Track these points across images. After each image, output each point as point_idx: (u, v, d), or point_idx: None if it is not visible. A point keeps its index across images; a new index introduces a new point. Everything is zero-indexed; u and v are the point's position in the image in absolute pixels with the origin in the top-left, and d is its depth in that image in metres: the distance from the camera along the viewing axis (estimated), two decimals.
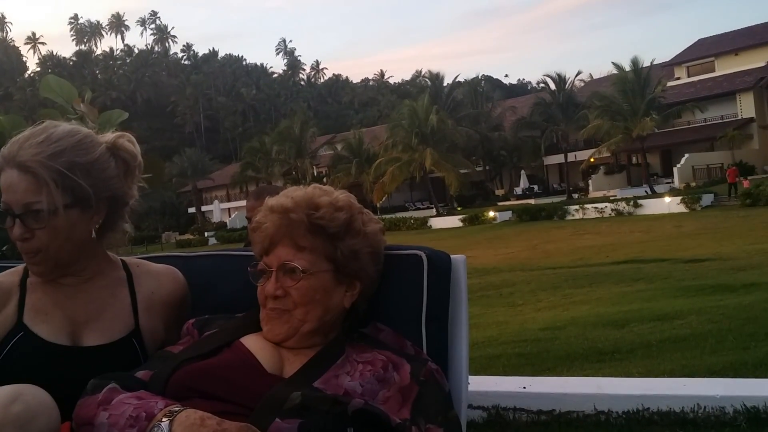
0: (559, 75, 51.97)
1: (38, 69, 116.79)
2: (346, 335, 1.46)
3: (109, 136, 1.56)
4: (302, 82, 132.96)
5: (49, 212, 1.42)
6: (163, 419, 1.18)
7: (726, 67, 47.92)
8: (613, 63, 47.81)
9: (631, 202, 34.16)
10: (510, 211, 38.99)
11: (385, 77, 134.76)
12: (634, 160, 49.67)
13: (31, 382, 1.31)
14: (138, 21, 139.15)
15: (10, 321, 1.49)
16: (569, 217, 35.15)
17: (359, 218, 1.50)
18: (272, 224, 1.45)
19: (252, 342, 1.43)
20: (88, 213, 1.49)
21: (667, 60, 53.36)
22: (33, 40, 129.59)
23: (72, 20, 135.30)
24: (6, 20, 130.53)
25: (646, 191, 40.20)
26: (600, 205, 35.16)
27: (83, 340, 1.51)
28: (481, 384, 3.36)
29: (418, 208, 52.30)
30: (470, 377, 1.74)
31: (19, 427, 1.13)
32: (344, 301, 1.48)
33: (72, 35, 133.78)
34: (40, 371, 1.43)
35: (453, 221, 40.45)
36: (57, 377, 1.40)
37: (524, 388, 3.32)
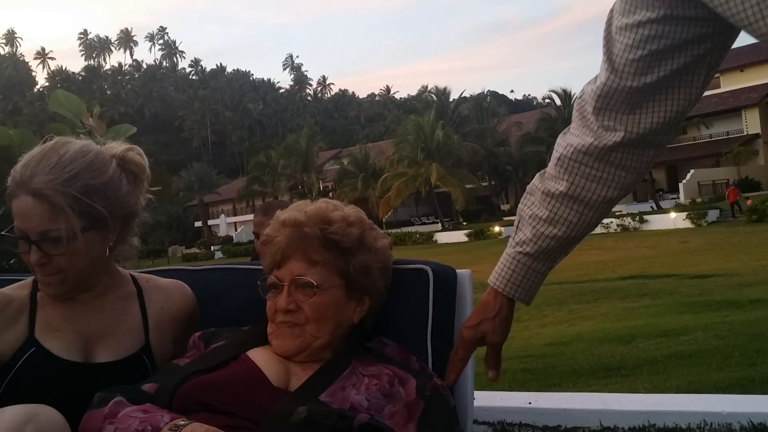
0: (564, 91, 52.11)
1: (47, 84, 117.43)
2: (352, 349, 1.45)
3: (117, 148, 1.55)
4: (309, 97, 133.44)
5: (67, 238, 1.41)
6: None
7: (731, 83, 47.93)
8: None
9: (637, 218, 34.09)
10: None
11: (392, 92, 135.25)
12: None
13: (43, 397, 1.30)
14: (146, 37, 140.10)
15: (22, 336, 1.48)
16: None
17: (370, 234, 1.50)
18: (284, 238, 1.44)
19: (258, 355, 1.43)
20: (103, 233, 1.48)
21: None
22: (42, 55, 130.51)
23: (81, 36, 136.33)
24: (16, 35, 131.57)
25: (651, 207, 40.11)
26: (606, 221, 35.03)
27: (95, 357, 1.51)
28: (486, 399, 3.35)
29: (424, 223, 52.27)
30: (476, 392, 1.74)
31: None
32: (354, 317, 1.48)
33: (81, 50, 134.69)
34: (52, 387, 1.43)
35: (458, 236, 40.40)
36: (69, 393, 1.40)
37: (530, 403, 3.31)
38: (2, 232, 1.46)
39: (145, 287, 1.63)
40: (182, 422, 1.21)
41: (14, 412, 1.15)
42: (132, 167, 1.55)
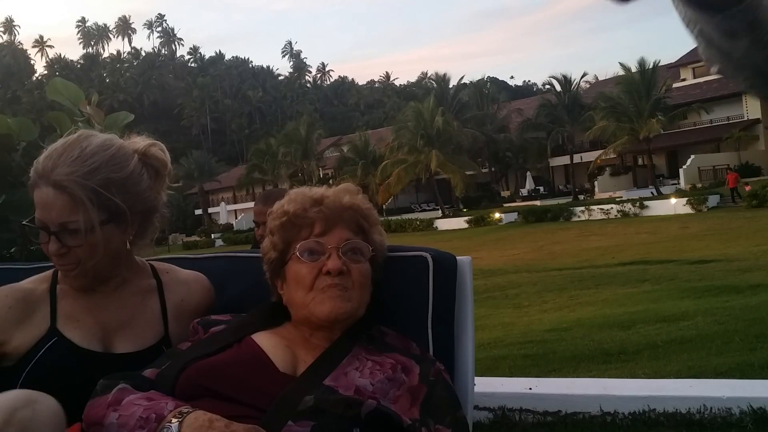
0: (564, 76, 51.93)
1: (46, 72, 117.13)
2: (356, 334, 1.46)
3: (140, 143, 1.56)
4: (308, 84, 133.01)
5: (86, 231, 1.42)
6: (173, 420, 1.19)
7: None
8: (620, 63, 47.57)
9: (637, 204, 34.06)
10: (516, 213, 38.91)
11: (391, 79, 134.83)
12: (639, 161, 49.54)
13: (63, 385, 1.34)
14: (145, 24, 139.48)
15: (44, 326, 1.49)
16: (575, 219, 35.07)
17: None
18: (326, 207, 1.47)
19: (264, 340, 1.43)
20: (122, 227, 1.50)
21: (673, 61, 53.21)
22: (40, 43, 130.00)
23: (79, 23, 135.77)
24: (14, 23, 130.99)
25: (652, 192, 40.09)
26: (606, 207, 35.06)
27: (114, 347, 1.52)
28: (487, 385, 3.37)
29: (424, 210, 52.27)
30: (476, 378, 1.75)
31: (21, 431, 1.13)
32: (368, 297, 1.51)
33: (79, 38, 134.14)
34: (72, 375, 1.44)
35: (459, 223, 40.41)
36: (88, 382, 1.41)
37: (530, 389, 3.33)
38: (24, 222, 1.48)
39: (164, 279, 1.64)
40: (186, 410, 1.21)
41: (13, 395, 1.17)
42: (154, 162, 1.56)
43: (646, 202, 34.27)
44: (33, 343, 1.47)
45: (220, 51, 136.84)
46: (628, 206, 34.10)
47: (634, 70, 44.18)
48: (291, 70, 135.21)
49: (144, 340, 1.54)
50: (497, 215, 39.20)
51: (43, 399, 1.19)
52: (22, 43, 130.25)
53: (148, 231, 1.59)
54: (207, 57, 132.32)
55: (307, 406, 1.23)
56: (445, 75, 60.14)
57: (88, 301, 1.54)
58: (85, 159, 1.43)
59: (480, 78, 63.44)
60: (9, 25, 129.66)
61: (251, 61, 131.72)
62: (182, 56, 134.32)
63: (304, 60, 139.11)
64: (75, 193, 1.40)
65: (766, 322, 6.11)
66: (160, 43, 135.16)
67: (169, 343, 1.57)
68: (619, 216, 33.40)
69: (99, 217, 1.43)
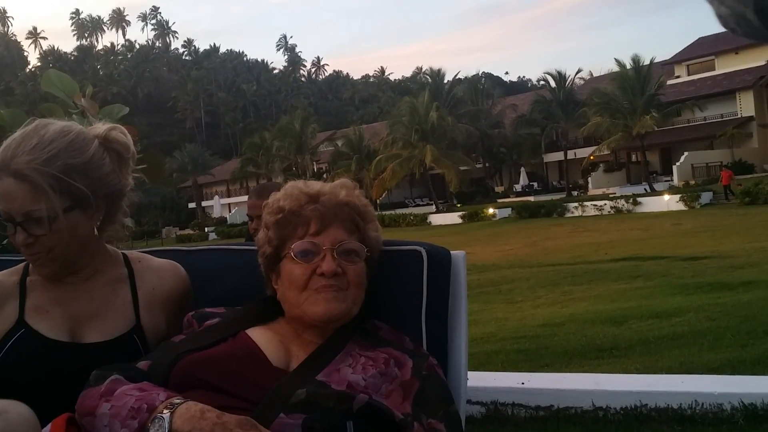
0: (559, 73, 51.92)
1: (39, 64, 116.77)
2: (351, 329, 1.46)
3: (100, 128, 1.54)
4: (303, 78, 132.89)
5: (49, 218, 1.41)
6: (164, 411, 1.19)
7: (726, 65, 47.89)
8: (615, 59, 47.46)
9: (631, 200, 34.16)
10: (509, 208, 38.97)
11: (386, 74, 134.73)
12: (633, 158, 49.66)
13: (32, 377, 1.34)
14: (139, 16, 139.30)
15: (12, 319, 1.49)
16: (568, 215, 35.14)
17: None
18: (321, 206, 1.46)
19: (258, 334, 1.43)
20: (88, 212, 1.48)
21: (668, 58, 53.33)
22: (34, 35, 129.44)
23: (73, 15, 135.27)
24: (7, 15, 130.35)
25: (645, 189, 40.18)
26: (599, 203, 35.14)
27: (83, 337, 1.51)
28: (479, 380, 3.38)
29: (418, 205, 52.30)
30: (469, 373, 1.75)
31: None
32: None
33: (73, 30, 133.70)
34: (41, 367, 1.44)
35: (452, 218, 40.44)
36: (57, 373, 1.41)
37: (523, 383, 3.34)
38: None
39: (136, 268, 1.63)
40: (177, 400, 1.21)
41: None
42: (115, 146, 1.54)
43: (639, 199, 34.39)
44: (1, 337, 1.47)
45: (214, 44, 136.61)
46: (621, 203, 34.20)
47: (628, 66, 44.24)
48: (285, 64, 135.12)
49: (114, 330, 1.53)
50: (491, 211, 39.25)
51: (14, 408, 1.18)
52: (15, 35, 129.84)
53: (117, 216, 1.58)
54: (201, 50, 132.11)
55: (299, 399, 1.24)
56: (440, 70, 60.19)
57: (58, 292, 1.53)
58: (43, 146, 1.41)
59: (475, 73, 63.46)
60: (2, 17, 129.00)
61: (246, 55, 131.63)
62: (176, 49, 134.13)
63: (299, 54, 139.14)
64: (36, 180, 1.39)
65: (757, 319, 6.14)
66: (155, 35, 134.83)
67: (141, 332, 1.56)
68: (612, 212, 33.49)
69: (62, 203, 1.42)
